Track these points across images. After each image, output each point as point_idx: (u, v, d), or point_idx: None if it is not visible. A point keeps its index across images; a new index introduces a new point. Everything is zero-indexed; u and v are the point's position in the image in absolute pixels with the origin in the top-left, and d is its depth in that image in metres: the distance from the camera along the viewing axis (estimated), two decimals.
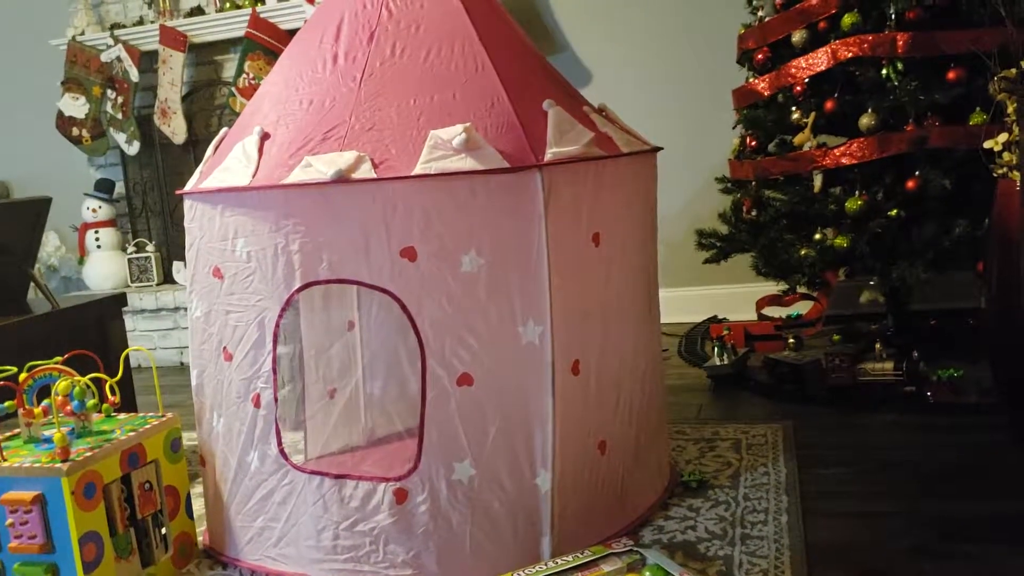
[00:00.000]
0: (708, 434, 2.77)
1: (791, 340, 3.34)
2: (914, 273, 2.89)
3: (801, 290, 3.51)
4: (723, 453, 2.60)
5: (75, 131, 4.89)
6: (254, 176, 1.97)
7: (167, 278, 4.91)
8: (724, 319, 3.97)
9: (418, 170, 1.85)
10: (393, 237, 1.88)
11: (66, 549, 1.90)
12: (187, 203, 2.17)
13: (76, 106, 4.87)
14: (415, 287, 1.90)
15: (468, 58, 2.03)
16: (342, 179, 1.85)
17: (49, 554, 1.91)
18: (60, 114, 4.88)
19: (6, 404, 2.12)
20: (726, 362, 3.30)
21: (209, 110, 4.80)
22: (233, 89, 4.54)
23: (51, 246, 5.15)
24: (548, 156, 1.91)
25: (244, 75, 4.49)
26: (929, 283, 3.04)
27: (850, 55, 2.95)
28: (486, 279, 1.90)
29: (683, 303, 4.13)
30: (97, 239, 4.94)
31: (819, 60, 3.04)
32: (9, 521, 1.90)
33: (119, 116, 4.79)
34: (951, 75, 2.83)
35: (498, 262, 1.91)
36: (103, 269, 4.91)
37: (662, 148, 2.31)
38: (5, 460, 1.95)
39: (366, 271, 1.91)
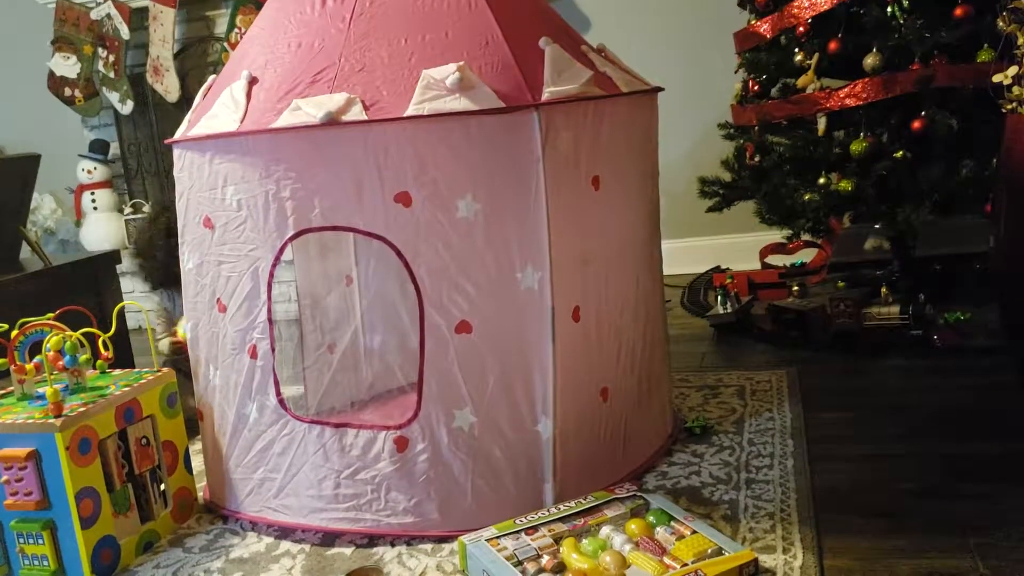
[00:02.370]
0: (712, 381, 2.74)
1: (795, 288, 3.29)
2: (920, 216, 2.84)
3: (805, 237, 3.47)
4: (727, 400, 2.57)
5: (67, 91, 4.82)
6: (242, 121, 1.92)
7: None
8: (727, 269, 3.93)
9: (410, 111, 1.80)
10: (386, 182, 1.84)
11: (63, 505, 1.88)
12: (176, 152, 2.12)
13: (67, 66, 4.79)
14: (410, 233, 1.86)
15: None
16: (332, 122, 1.80)
17: (46, 510, 1.89)
18: (51, 74, 4.80)
19: None
20: (729, 311, 3.26)
21: (202, 67, 4.71)
22: (225, 44, 4.46)
23: (47, 209, 5.10)
24: (545, 95, 1.86)
25: (236, 30, 4.41)
26: (934, 228, 2.99)
27: None
28: (483, 224, 1.86)
29: (685, 254, 4.09)
30: (93, 201, 4.88)
31: None
32: (4, 478, 1.88)
33: (111, 75, 4.72)
34: (958, 12, 2.75)
35: (495, 206, 1.86)
36: (100, 231, 4.85)
37: (663, 89, 2.25)
38: None
39: (360, 217, 1.87)
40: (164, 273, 2.33)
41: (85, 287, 2.84)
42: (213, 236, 2.02)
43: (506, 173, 1.86)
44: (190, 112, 2.17)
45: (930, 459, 2.08)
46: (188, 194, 2.08)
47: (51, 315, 2.14)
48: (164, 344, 2.74)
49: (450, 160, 1.83)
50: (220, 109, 1.98)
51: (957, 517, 1.82)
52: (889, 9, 2.85)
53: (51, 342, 2.03)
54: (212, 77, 2.19)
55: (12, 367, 2.06)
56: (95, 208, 4.89)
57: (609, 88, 2.03)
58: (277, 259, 1.94)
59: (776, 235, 3.59)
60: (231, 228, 1.98)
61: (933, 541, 1.74)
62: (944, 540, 1.74)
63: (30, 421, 1.88)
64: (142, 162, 4.99)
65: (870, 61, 2.86)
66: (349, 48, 1.92)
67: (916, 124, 2.80)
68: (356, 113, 1.81)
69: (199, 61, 4.73)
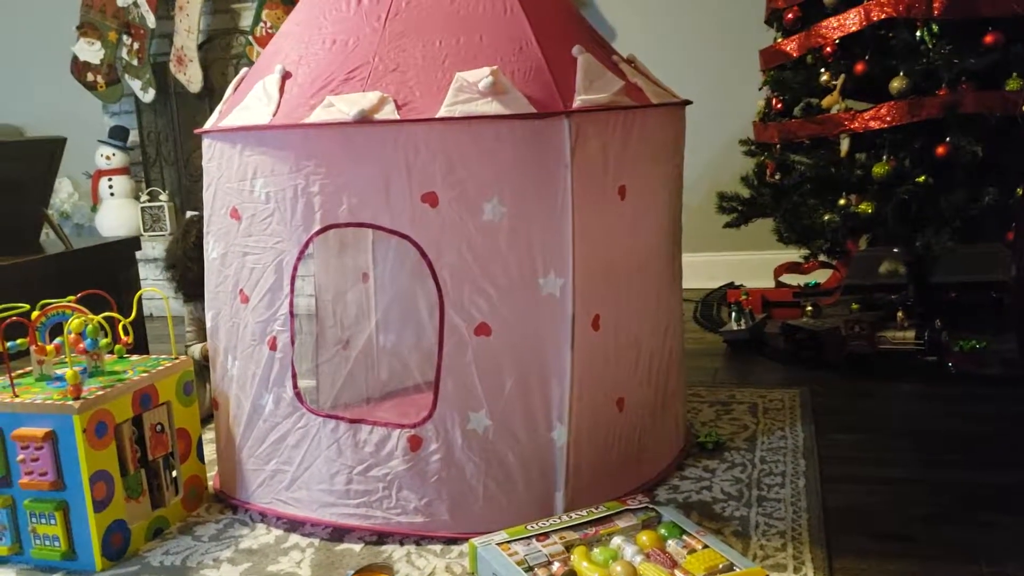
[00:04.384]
0: (724, 397, 2.74)
1: (809, 308, 3.30)
2: (940, 242, 2.83)
3: (821, 258, 3.47)
4: (739, 416, 2.57)
5: (90, 77, 4.84)
6: (274, 115, 1.92)
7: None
8: (741, 285, 3.93)
9: (442, 113, 1.81)
10: (415, 181, 1.84)
11: (76, 487, 1.88)
12: (206, 142, 2.13)
13: (91, 51, 4.81)
14: (435, 233, 1.86)
15: (496, 0, 1.97)
16: (364, 120, 1.81)
17: (59, 491, 1.90)
18: (75, 59, 4.83)
19: (18, 341, 2.09)
20: (743, 327, 3.26)
21: (225, 59, 4.74)
22: (250, 38, 4.48)
23: (64, 193, 5.12)
24: (576, 103, 1.86)
25: (261, 24, 4.43)
26: (951, 255, 2.99)
27: (883, 16, 2.87)
28: (508, 228, 1.86)
29: (699, 269, 4.08)
30: (111, 187, 4.91)
31: (851, 21, 2.96)
32: (20, 457, 1.89)
33: (134, 62, 4.74)
34: (988, 39, 2.75)
35: (521, 211, 1.86)
36: (116, 217, 4.87)
37: (691, 102, 2.25)
38: (17, 396, 1.93)
39: (386, 215, 1.88)
40: (198, 286, 2.28)
41: (104, 272, 2.85)
42: (239, 227, 2.03)
43: (534, 178, 1.86)
44: (221, 103, 2.18)
45: (943, 485, 2.07)
46: (216, 184, 2.09)
47: (72, 297, 2.15)
48: (196, 350, 2.74)
49: (479, 163, 1.84)
50: (252, 102, 1.99)
51: (970, 545, 1.81)
52: (918, 33, 2.85)
53: (73, 324, 2.04)
54: (245, 70, 2.19)
55: (33, 347, 2.07)
56: (112, 194, 4.92)
57: (639, 99, 2.03)
58: (302, 253, 1.95)
59: (791, 254, 3.59)
60: (258, 220, 1.99)
61: (945, 568, 1.74)
62: (956, 568, 1.73)
63: (49, 402, 1.89)
64: (161, 151, 5.01)
65: (896, 84, 2.86)
66: (384, 47, 1.93)
67: (940, 149, 2.80)
68: (388, 112, 1.82)
69: (222, 53, 4.76)
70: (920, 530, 1.89)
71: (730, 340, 3.28)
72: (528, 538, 1.81)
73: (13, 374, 2.01)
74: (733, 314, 3.32)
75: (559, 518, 1.88)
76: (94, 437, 1.88)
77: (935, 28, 2.81)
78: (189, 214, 2.83)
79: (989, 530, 1.87)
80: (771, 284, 3.76)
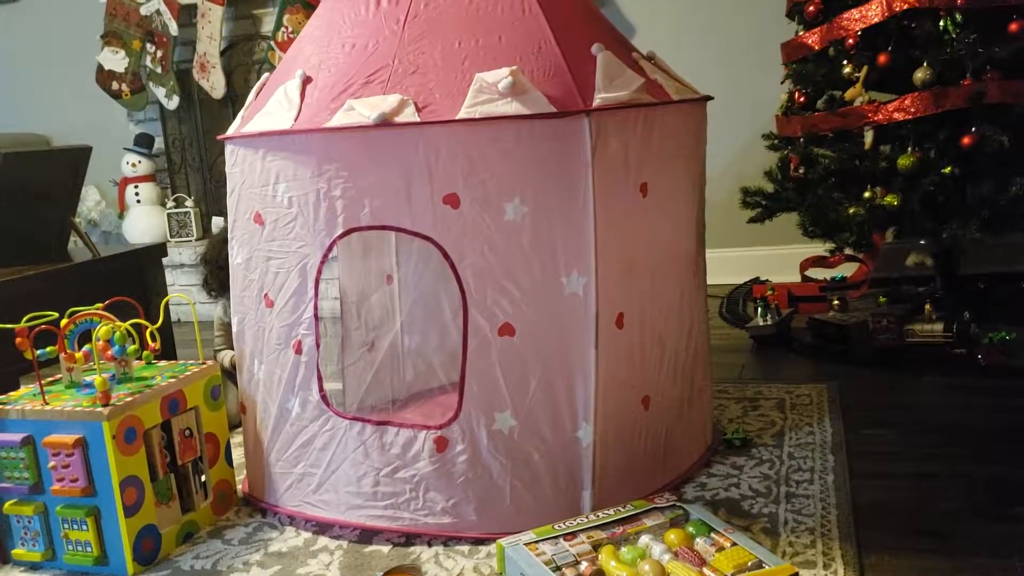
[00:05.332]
0: (751, 393, 2.73)
1: (836, 302, 3.28)
2: (967, 233, 2.81)
3: (847, 252, 3.44)
4: (767, 412, 2.56)
5: (115, 85, 4.90)
6: (296, 120, 1.93)
7: (206, 233, 4.92)
8: (766, 280, 3.91)
9: (462, 114, 1.81)
10: (436, 183, 1.85)
11: (107, 493, 1.90)
12: (228, 148, 2.14)
13: (116, 60, 4.86)
14: (457, 235, 1.86)
15: (515, 0, 1.97)
16: (385, 123, 1.81)
17: (91, 497, 1.92)
18: (100, 68, 4.88)
19: (48, 349, 2.12)
20: (769, 323, 3.24)
21: (248, 64, 4.78)
22: (272, 43, 4.51)
23: (91, 200, 5.18)
24: (596, 101, 1.86)
25: (283, 29, 4.46)
26: (978, 246, 2.96)
27: (906, 6, 2.85)
28: (530, 228, 1.86)
29: (724, 264, 4.06)
30: (137, 194, 4.96)
31: (873, 12, 2.94)
32: (52, 464, 1.91)
33: (158, 70, 4.79)
34: (1013, 27, 2.73)
35: (542, 211, 1.86)
36: (143, 223, 4.92)
37: (712, 97, 2.24)
38: (48, 404, 1.95)
39: (408, 217, 1.88)
40: (226, 287, 2.28)
41: (132, 278, 2.87)
42: (263, 232, 2.04)
43: (555, 178, 1.86)
44: (243, 109, 2.19)
45: (974, 480, 2.05)
46: (239, 190, 2.11)
47: (100, 305, 2.17)
48: (226, 358, 2.76)
49: (500, 163, 1.84)
50: (274, 107, 2.00)
51: (1002, 539, 1.79)
52: (941, 23, 2.82)
53: (101, 331, 2.06)
54: (266, 75, 2.21)
55: (62, 355, 2.09)
56: (138, 201, 4.96)
57: (660, 95, 2.03)
58: (325, 256, 1.96)
59: (816, 248, 3.56)
60: (281, 225, 2.00)
61: (976, 564, 1.72)
62: (988, 564, 1.71)
63: (78, 409, 1.91)
64: (186, 157, 5.05)
65: (920, 75, 2.83)
66: (403, 50, 1.93)
67: (966, 140, 2.77)
68: (409, 115, 1.82)
69: (245, 59, 4.79)
70: (951, 526, 1.87)
71: (756, 336, 3.26)
72: (555, 538, 1.81)
73: (43, 381, 2.04)
74: (759, 309, 3.30)
75: (586, 517, 1.88)
76: (123, 443, 1.90)
77: (958, 17, 2.78)
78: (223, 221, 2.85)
79: (1022, 525, 1.84)
80: (797, 279, 3.73)
